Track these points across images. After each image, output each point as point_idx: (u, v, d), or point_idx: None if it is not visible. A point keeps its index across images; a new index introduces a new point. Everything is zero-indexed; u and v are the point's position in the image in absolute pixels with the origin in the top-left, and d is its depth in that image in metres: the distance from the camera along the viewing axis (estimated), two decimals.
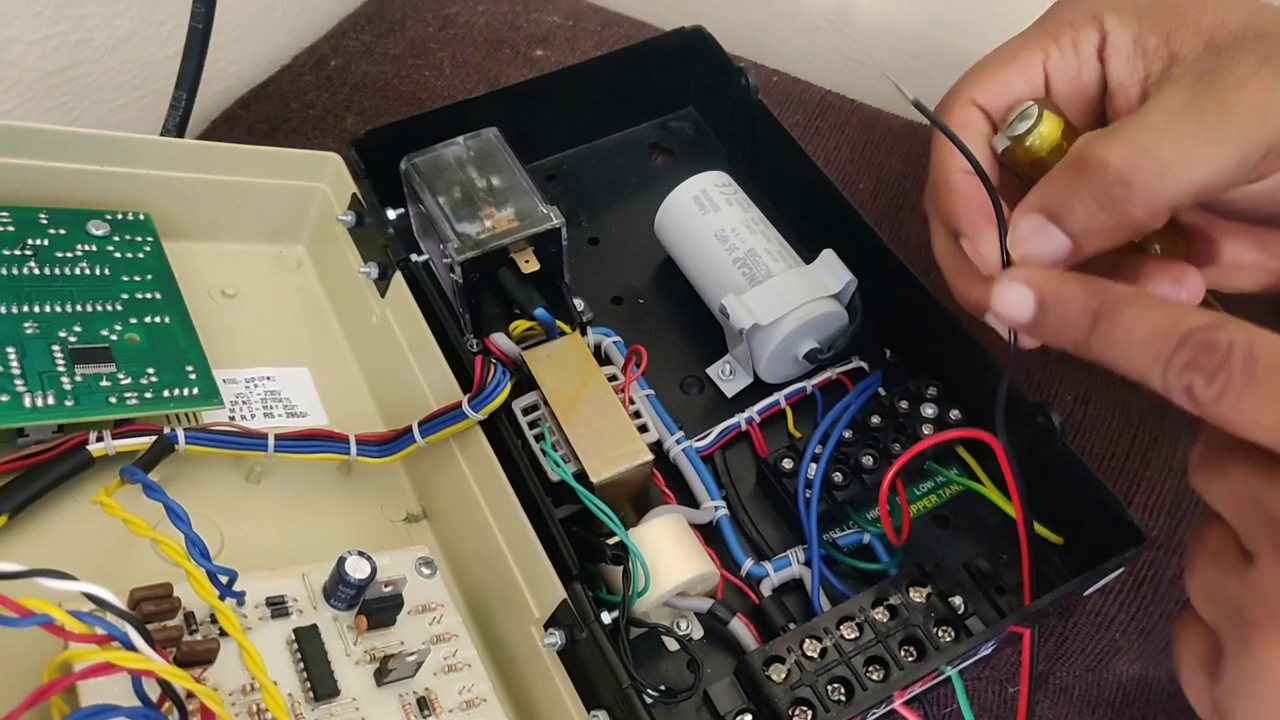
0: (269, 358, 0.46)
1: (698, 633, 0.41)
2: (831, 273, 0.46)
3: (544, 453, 0.40)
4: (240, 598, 0.33)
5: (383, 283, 0.47)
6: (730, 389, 0.47)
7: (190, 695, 0.29)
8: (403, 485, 0.45)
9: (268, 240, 0.51)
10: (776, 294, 0.45)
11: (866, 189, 0.57)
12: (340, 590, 0.35)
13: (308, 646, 0.34)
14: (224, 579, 0.32)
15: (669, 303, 0.51)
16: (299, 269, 0.51)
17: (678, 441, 0.44)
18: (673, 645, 0.40)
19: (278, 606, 0.35)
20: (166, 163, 0.46)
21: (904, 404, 0.45)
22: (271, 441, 0.40)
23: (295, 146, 0.49)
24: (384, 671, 0.34)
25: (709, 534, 0.42)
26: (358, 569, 0.35)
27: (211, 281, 0.48)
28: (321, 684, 0.33)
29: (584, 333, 0.47)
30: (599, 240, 0.53)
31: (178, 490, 0.40)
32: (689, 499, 0.43)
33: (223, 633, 0.33)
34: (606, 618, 0.37)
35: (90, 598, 0.28)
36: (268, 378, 0.46)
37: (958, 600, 0.40)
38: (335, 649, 0.35)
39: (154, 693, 0.29)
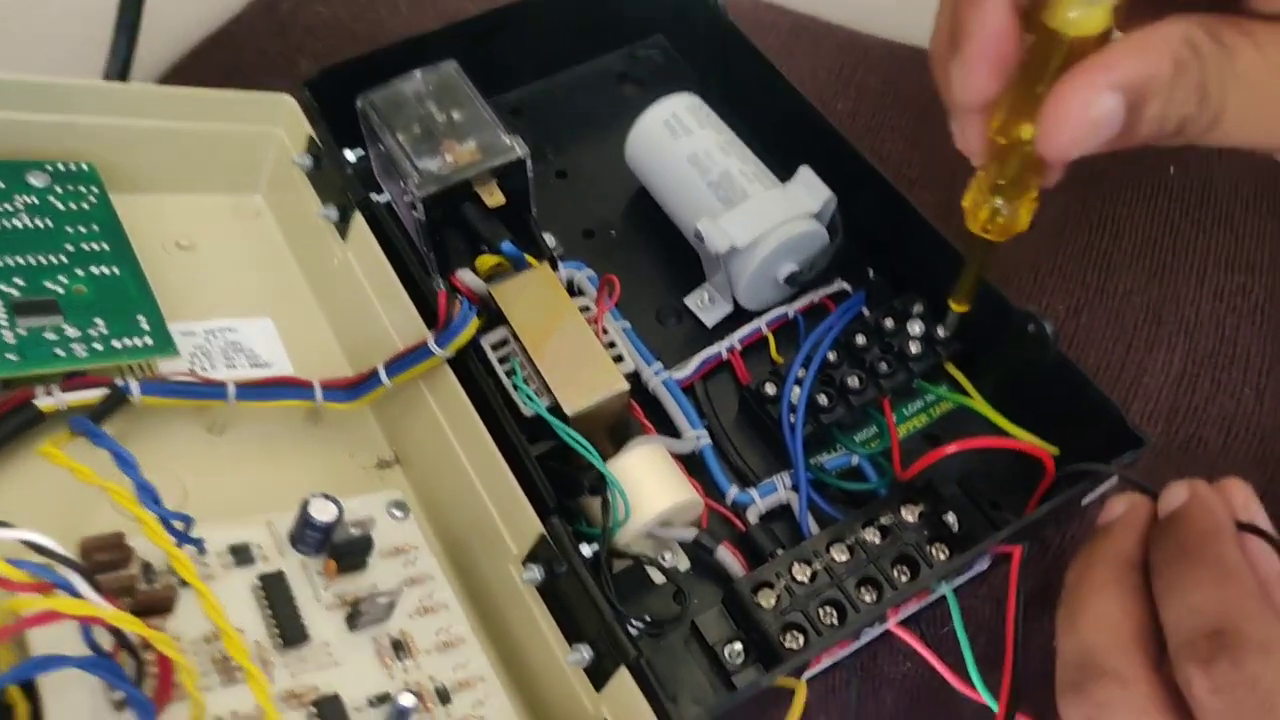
0: (229, 309, 0.45)
1: (684, 564, 0.39)
2: (809, 191, 0.44)
3: (516, 387, 0.38)
4: (199, 545, 0.32)
5: (343, 225, 0.45)
6: (710, 318, 0.46)
7: (147, 645, 0.28)
8: (373, 431, 0.43)
9: (224, 190, 0.49)
10: (753, 215, 0.43)
11: (845, 110, 0.55)
12: (306, 534, 0.34)
13: (274, 593, 0.32)
14: (179, 524, 0.31)
15: (643, 234, 0.49)
16: (258, 218, 0.49)
17: (656, 373, 0.43)
18: (658, 577, 0.39)
19: (242, 554, 0.33)
20: (109, 108, 0.44)
21: (889, 323, 0.43)
22: (232, 390, 0.38)
23: None
24: (356, 615, 0.33)
25: (692, 464, 0.41)
26: (322, 511, 0.34)
27: (166, 234, 0.46)
28: (290, 630, 0.32)
29: (555, 267, 0.45)
30: (567, 174, 0.51)
31: (137, 444, 0.38)
32: (670, 430, 0.42)
33: (182, 582, 0.31)
34: (587, 550, 0.35)
35: (32, 545, 0.26)
36: (229, 329, 0.44)
37: (951, 518, 0.38)
38: (304, 595, 0.33)
39: (110, 645, 0.28)
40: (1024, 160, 0.31)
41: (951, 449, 0.37)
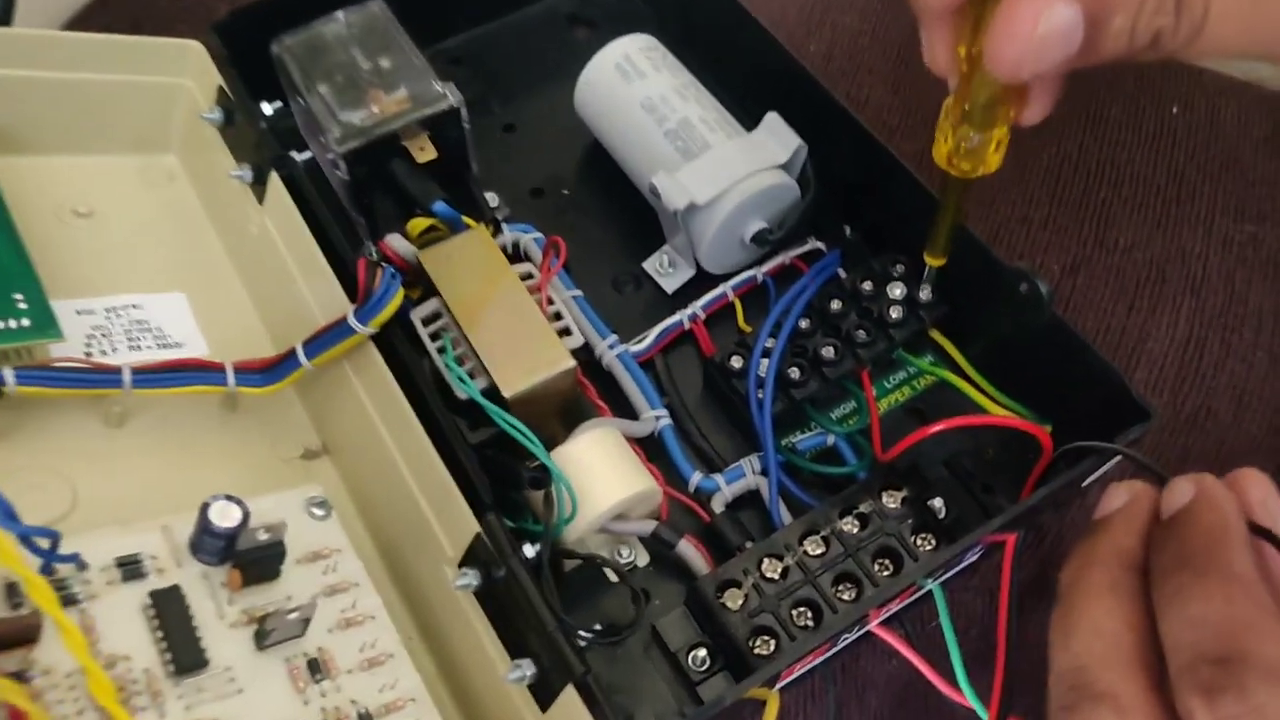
0: (135, 283, 0.40)
1: (643, 559, 0.36)
2: (777, 140, 0.40)
3: (448, 367, 0.34)
4: (72, 561, 0.28)
5: (259, 187, 0.40)
6: (670, 284, 0.41)
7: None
8: (298, 418, 0.39)
9: (130, 150, 0.44)
10: (715, 168, 0.39)
11: (818, 51, 0.51)
12: (206, 541, 0.30)
13: (167, 611, 0.28)
14: (43, 541, 0.26)
15: (597, 192, 0.45)
16: (171, 182, 0.44)
17: (610, 346, 0.38)
18: (615, 576, 0.35)
19: (130, 567, 0.29)
20: None
21: (867, 285, 0.39)
22: (127, 376, 0.34)
23: None
24: (263, 634, 0.29)
25: (651, 448, 0.37)
26: (224, 515, 0.29)
27: (60, 200, 0.41)
28: (185, 654, 0.28)
29: (498, 230, 0.41)
30: (515, 127, 0.47)
31: (19, 441, 0.34)
32: (626, 410, 0.38)
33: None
34: (529, 551, 0.31)
35: None
36: (133, 306, 0.39)
37: (938, 503, 0.34)
38: (204, 611, 0.29)
39: None
40: (993, 85, 0.28)
41: (938, 428, 0.33)
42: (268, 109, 0.42)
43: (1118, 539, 0.29)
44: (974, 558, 0.34)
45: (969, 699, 0.31)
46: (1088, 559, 0.29)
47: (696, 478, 0.36)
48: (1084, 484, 0.34)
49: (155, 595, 0.28)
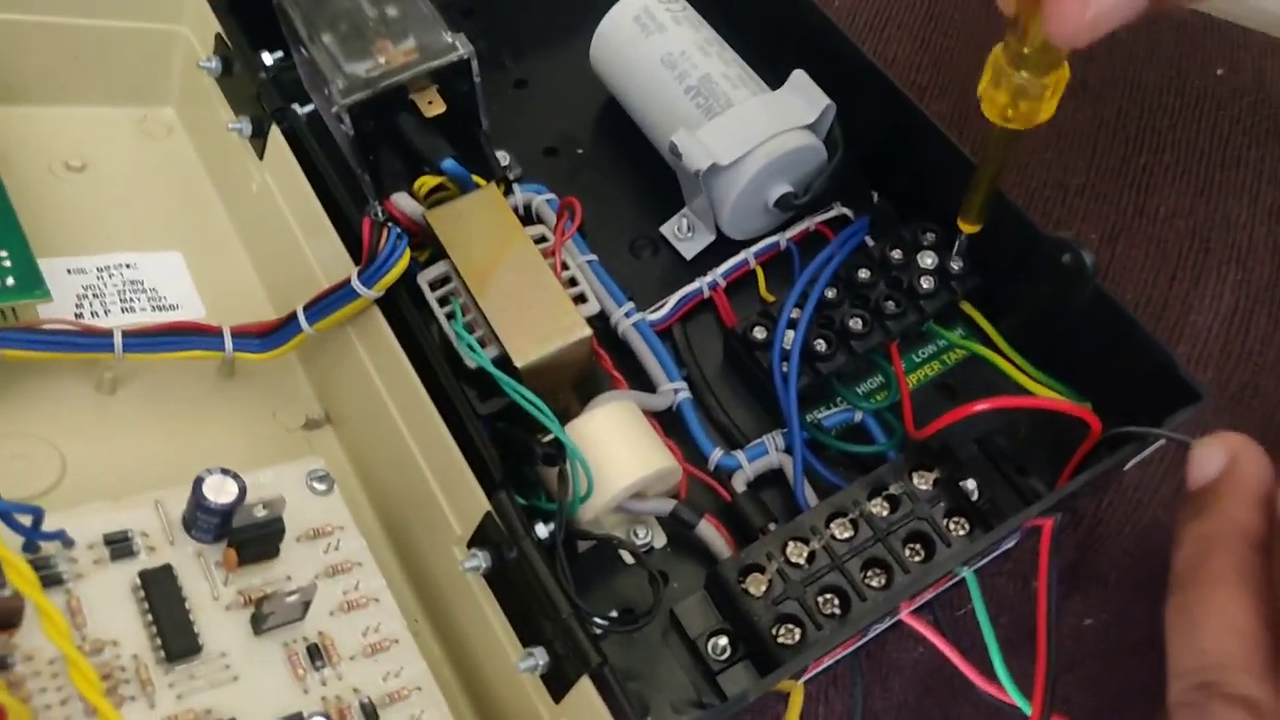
0: (129, 241, 0.38)
1: (660, 540, 0.34)
2: (804, 98, 0.38)
3: (457, 335, 0.32)
4: (57, 538, 0.26)
5: (259, 141, 0.38)
6: (689, 249, 0.39)
7: None
8: (300, 385, 0.37)
9: (127, 101, 0.42)
10: (738, 127, 0.37)
11: (843, 6, 0.48)
12: (200, 519, 0.28)
13: (157, 593, 0.27)
14: (24, 518, 0.25)
15: (613, 152, 0.42)
16: (169, 135, 0.42)
17: (627, 314, 0.36)
18: (631, 559, 0.33)
19: (120, 545, 0.27)
20: None
21: (897, 254, 0.37)
22: (119, 339, 0.32)
23: None
24: (261, 618, 0.27)
25: (669, 422, 0.35)
26: (219, 490, 0.28)
27: (52, 153, 0.39)
28: (176, 640, 0.26)
29: (510, 190, 0.39)
30: (527, 82, 0.44)
31: (4, 408, 0.32)
32: (643, 382, 0.36)
33: (41, 584, 0.25)
34: (542, 531, 0.30)
35: None
36: (127, 265, 0.38)
37: (971, 484, 0.33)
38: (198, 593, 0.28)
39: None
40: None
41: (980, 407, 0.31)
42: (268, 59, 0.40)
43: (1235, 514, 0.26)
44: (1010, 544, 0.33)
45: (1011, 694, 0.29)
46: (1207, 541, 0.26)
47: (717, 454, 0.34)
48: (1126, 468, 0.33)
49: (145, 575, 0.27)
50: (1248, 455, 0.27)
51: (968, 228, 0.34)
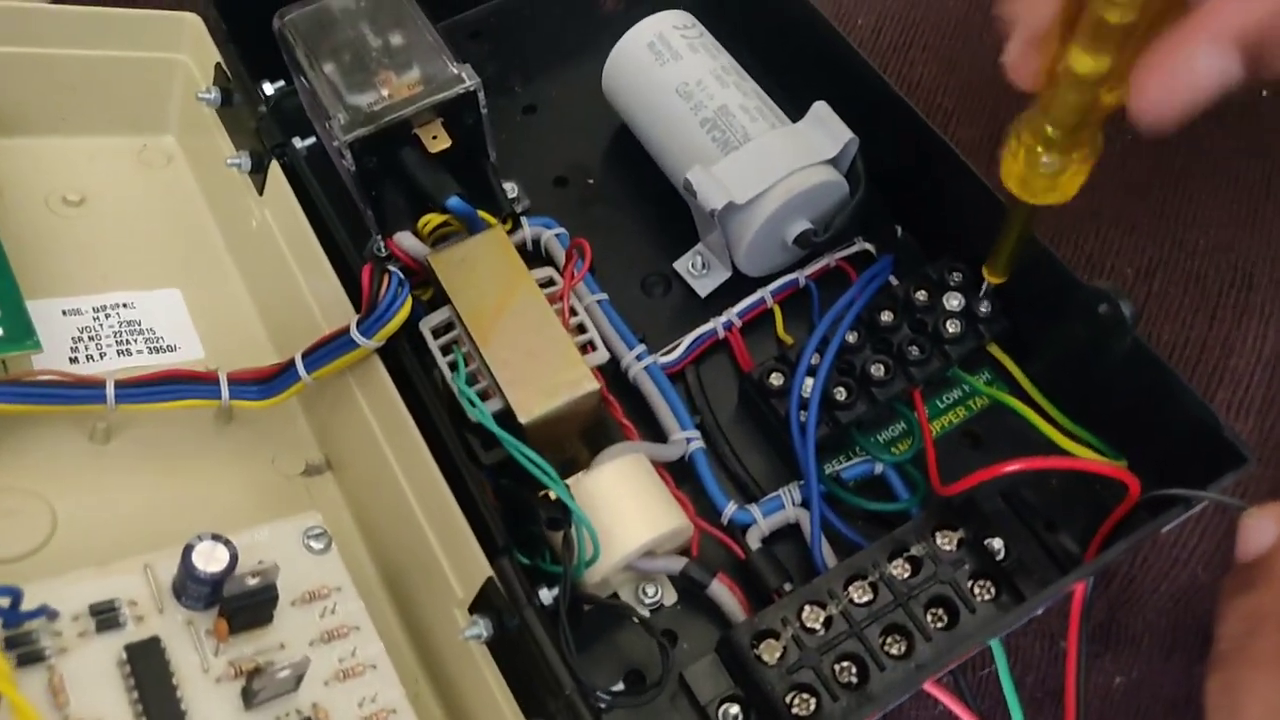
0: (127, 279, 0.37)
1: (671, 597, 0.33)
2: (826, 132, 0.36)
3: (458, 389, 0.31)
4: (40, 616, 0.25)
5: (258, 177, 0.37)
6: (704, 287, 0.38)
7: None
8: (300, 429, 0.36)
9: (126, 131, 0.41)
10: (756, 163, 0.35)
11: (867, 25, 0.46)
12: (190, 587, 0.27)
13: (143, 668, 0.26)
14: (3, 601, 0.24)
15: (625, 182, 0.41)
16: (169, 165, 0.41)
17: (638, 358, 0.35)
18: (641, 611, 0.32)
19: (106, 615, 0.26)
20: None
21: (922, 295, 0.35)
22: (111, 390, 0.31)
23: None
24: (251, 693, 0.26)
25: (680, 472, 0.34)
26: (210, 559, 0.26)
27: (50, 186, 0.38)
28: (162, 717, 0.25)
29: (517, 225, 0.38)
30: (536, 108, 0.43)
31: None
32: (654, 429, 0.35)
33: (21, 661, 0.24)
34: (547, 596, 0.29)
35: None
36: (124, 304, 0.37)
37: (997, 543, 0.31)
38: (187, 665, 0.26)
39: None
40: (1087, 104, 0.24)
41: (1011, 468, 0.30)
42: (270, 89, 0.39)
43: None
44: (1038, 611, 0.31)
45: None
46: (1256, 619, 0.25)
47: (731, 509, 0.33)
48: (1164, 530, 0.31)
49: (131, 649, 0.26)
50: None
51: (994, 279, 0.32)
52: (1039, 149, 0.26)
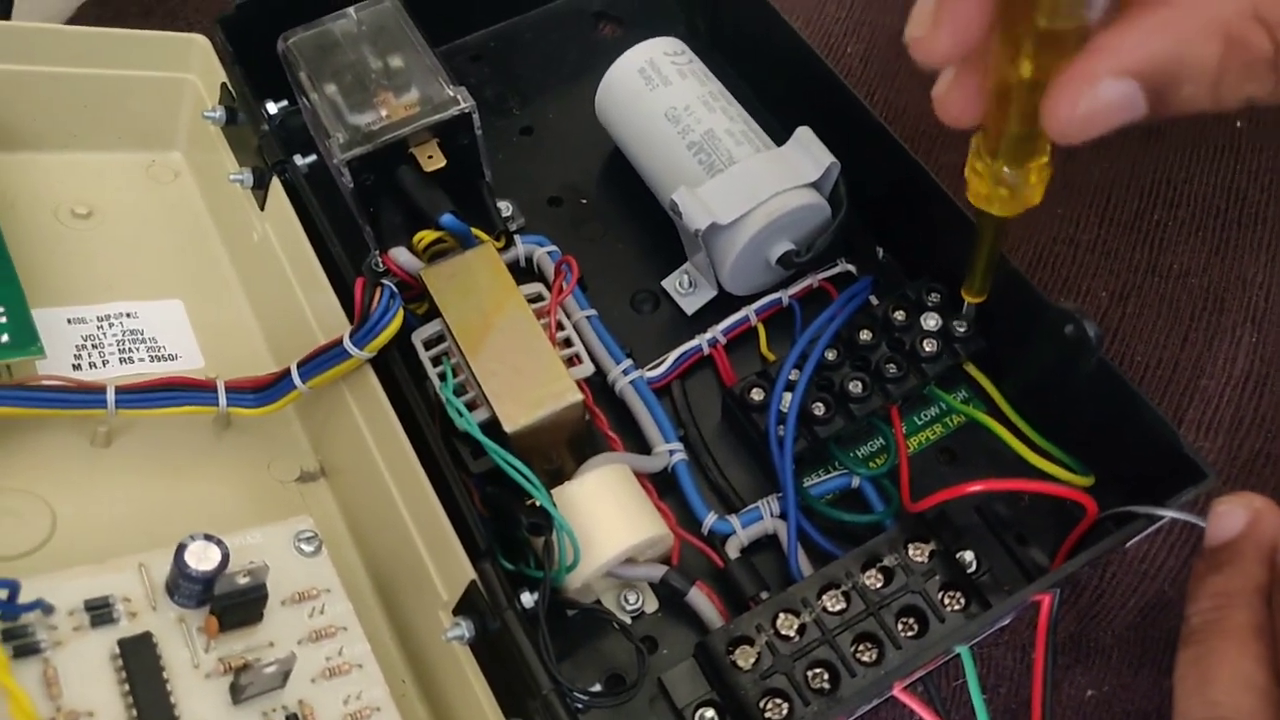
0: (131, 289, 0.38)
1: (651, 604, 0.33)
2: (808, 156, 0.37)
3: (446, 399, 0.32)
4: (36, 609, 0.26)
5: (260, 193, 0.38)
6: (690, 305, 0.39)
7: None
8: (296, 437, 0.37)
9: (135, 147, 0.42)
10: (740, 185, 0.37)
11: (856, 53, 0.48)
12: (182, 585, 0.28)
13: (136, 662, 0.26)
14: (1, 593, 0.25)
15: (617, 202, 0.42)
16: (175, 180, 0.43)
17: (625, 372, 0.36)
18: (623, 616, 0.33)
19: (100, 611, 0.27)
20: None
21: (900, 314, 0.36)
22: (111, 396, 0.32)
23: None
24: (238, 688, 0.27)
25: (664, 484, 0.35)
26: (201, 558, 0.28)
27: (59, 199, 0.40)
28: (152, 711, 0.26)
29: (510, 242, 0.39)
30: (533, 130, 0.44)
31: None
32: (639, 442, 0.36)
33: (17, 653, 0.25)
34: (528, 599, 0.29)
35: None
36: (128, 314, 0.38)
37: (969, 556, 0.32)
38: (178, 661, 0.27)
39: None
40: (1026, 111, 0.25)
41: (975, 488, 0.31)
42: (273, 108, 0.40)
43: (1253, 571, 0.26)
44: (1006, 620, 0.32)
45: None
46: (1225, 596, 0.26)
47: (711, 519, 0.34)
48: (1127, 545, 0.32)
49: (124, 644, 0.27)
50: (1268, 515, 0.27)
51: (972, 299, 0.33)
52: (998, 163, 0.26)
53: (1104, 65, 0.22)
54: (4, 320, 0.32)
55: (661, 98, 0.39)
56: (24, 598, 0.26)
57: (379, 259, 0.37)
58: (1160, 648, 0.35)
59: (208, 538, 0.28)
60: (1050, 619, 0.30)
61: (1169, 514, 0.28)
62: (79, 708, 0.25)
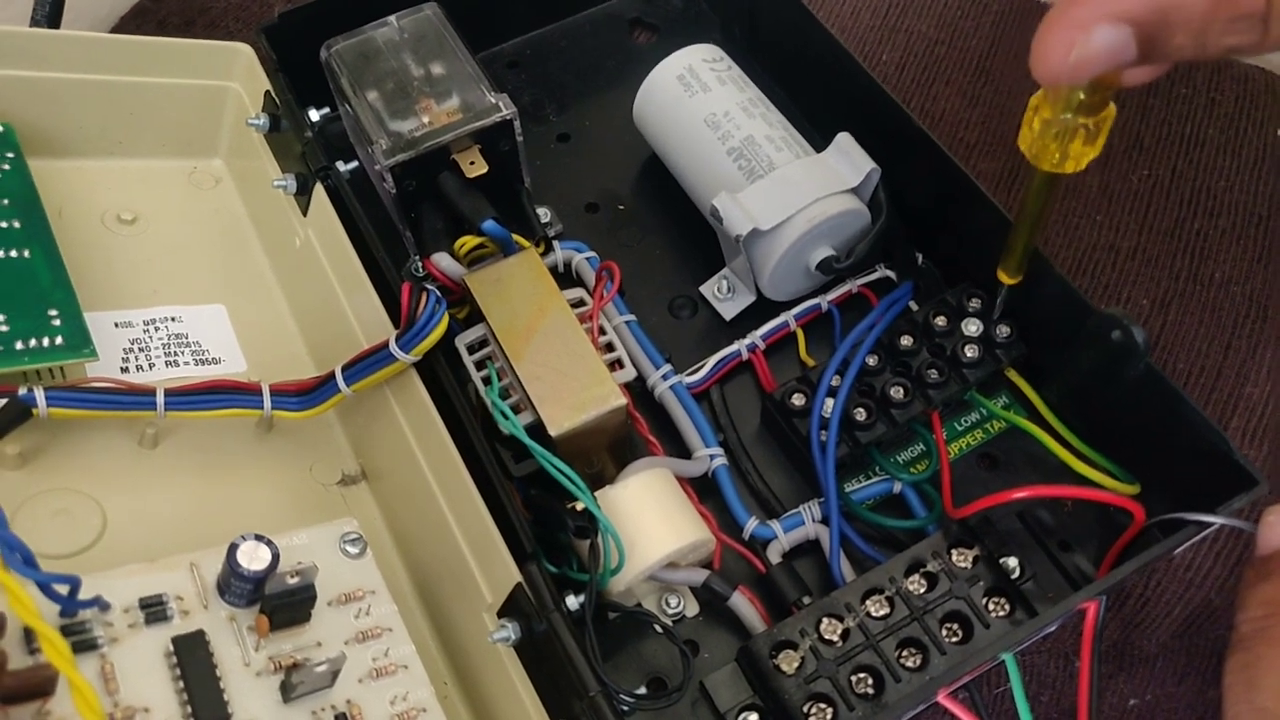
0: (175, 294, 0.39)
1: (693, 609, 0.34)
2: (848, 162, 0.37)
3: (491, 401, 0.32)
4: (93, 606, 0.26)
5: (303, 198, 0.39)
6: (729, 310, 0.39)
7: None
8: (337, 441, 0.37)
9: (178, 154, 0.43)
10: (780, 191, 0.37)
11: (891, 60, 0.48)
12: (234, 584, 0.28)
13: (189, 659, 0.27)
14: (62, 588, 0.25)
15: (655, 208, 0.42)
16: (217, 186, 0.43)
17: (664, 377, 0.36)
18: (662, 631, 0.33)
19: (154, 609, 0.28)
20: (30, 60, 0.38)
21: (941, 320, 0.36)
22: (161, 399, 0.33)
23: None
24: (289, 686, 0.27)
25: (704, 488, 0.35)
26: (253, 558, 0.28)
27: (105, 205, 0.40)
28: (206, 707, 0.26)
29: (549, 248, 0.39)
30: (570, 137, 0.45)
31: (49, 462, 0.33)
32: (679, 446, 0.36)
33: (76, 649, 0.26)
34: (573, 603, 0.30)
35: None
36: (172, 318, 0.38)
37: (1012, 562, 0.32)
38: (230, 658, 0.28)
39: None
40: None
41: (1020, 494, 0.31)
42: (315, 115, 0.40)
43: None
44: (1052, 628, 0.32)
45: None
46: (1274, 605, 0.27)
47: (752, 524, 0.34)
48: (1176, 552, 0.32)
49: (178, 641, 0.27)
50: None
51: (1007, 279, 0.33)
52: (1077, 117, 0.26)
53: (1099, 10, 0.22)
54: (59, 324, 0.33)
55: (701, 104, 0.39)
56: (82, 595, 0.26)
57: (419, 264, 0.38)
58: (1205, 657, 0.35)
59: (258, 538, 0.28)
60: (1097, 626, 0.30)
61: (1221, 520, 0.28)
62: (135, 703, 0.26)
